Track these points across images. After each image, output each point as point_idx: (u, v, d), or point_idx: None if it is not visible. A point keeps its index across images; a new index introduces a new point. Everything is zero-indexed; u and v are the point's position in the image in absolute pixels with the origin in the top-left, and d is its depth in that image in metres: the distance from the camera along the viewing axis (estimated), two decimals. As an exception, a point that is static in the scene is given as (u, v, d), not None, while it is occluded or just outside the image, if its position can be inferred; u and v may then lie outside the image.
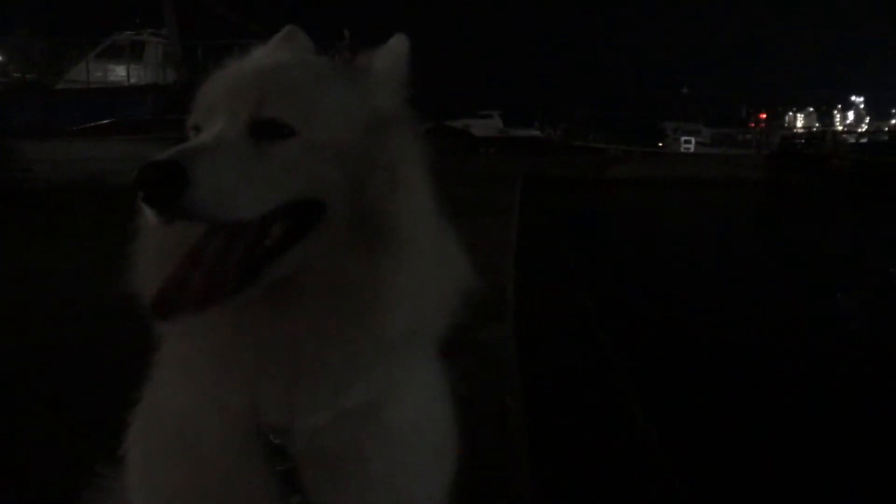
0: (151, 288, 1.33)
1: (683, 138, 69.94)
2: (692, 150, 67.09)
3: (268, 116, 1.31)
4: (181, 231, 1.32)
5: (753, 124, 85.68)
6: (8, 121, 22.45)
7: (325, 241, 1.33)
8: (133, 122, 21.43)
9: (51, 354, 4.98)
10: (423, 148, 1.46)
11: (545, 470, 3.56)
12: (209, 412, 1.40)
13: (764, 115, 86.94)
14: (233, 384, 1.36)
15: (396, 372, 1.41)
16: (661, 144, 72.48)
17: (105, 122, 21.40)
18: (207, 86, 1.46)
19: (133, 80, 27.55)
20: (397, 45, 1.55)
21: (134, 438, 1.59)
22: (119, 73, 28.09)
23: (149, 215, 1.20)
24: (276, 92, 1.34)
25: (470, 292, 1.47)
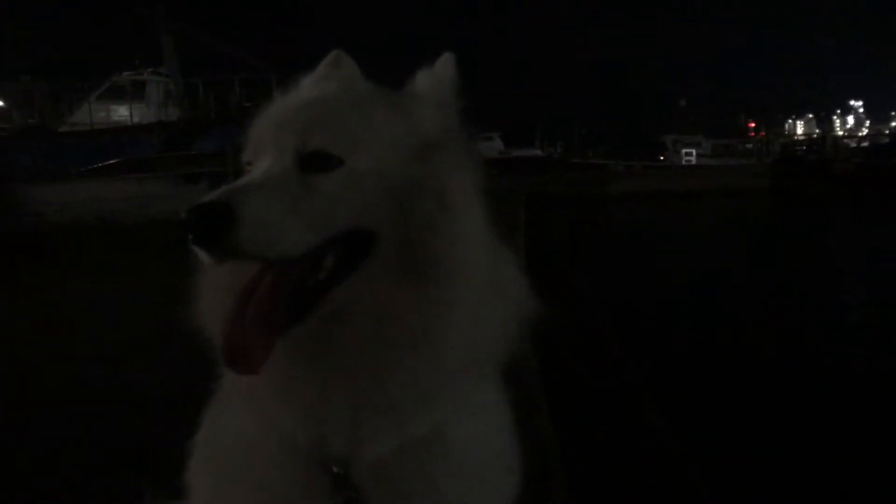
0: (212, 323, 1.36)
1: (684, 150, 70.13)
2: (693, 161, 67.22)
3: (313, 148, 1.31)
4: (237, 267, 1.32)
5: (753, 133, 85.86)
6: (13, 165, 22.59)
7: (378, 272, 1.31)
8: (138, 161, 21.53)
9: (67, 391, 4.98)
10: (474, 170, 1.43)
11: (582, 490, 3.54)
12: (273, 443, 1.39)
13: (756, 125, 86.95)
14: (297, 416, 1.35)
15: (459, 399, 1.39)
16: (661, 157, 72.71)
17: (110, 162, 21.49)
18: (257, 122, 1.45)
19: (136, 120, 27.70)
20: (443, 66, 1.54)
21: (197, 468, 1.59)
22: (121, 112, 28.24)
23: (200, 256, 1.20)
24: (321, 123, 1.34)
25: (529, 316, 1.44)
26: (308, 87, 1.58)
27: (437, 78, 1.52)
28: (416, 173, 1.35)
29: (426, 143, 1.40)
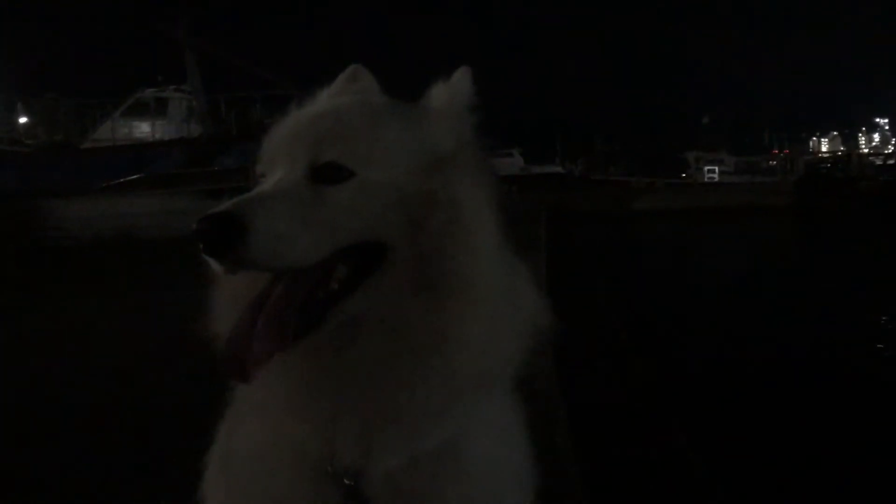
0: (224, 332, 1.35)
1: (707, 168, 69.81)
2: (716, 178, 66.90)
3: (326, 160, 1.32)
4: (252, 276, 1.32)
5: (777, 150, 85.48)
6: (37, 181, 22.88)
7: (389, 284, 1.31)
8: (160, 176, 21.77)
9: (88, 403, 4.99)
10: (488, 184, 1.42)
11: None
12: (285, 455, 1.39)
13: (776, 151, 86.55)
14: (308, 427, 1.35)
15: (472, 412, 1.37)
16: (684, 175, 72.42)
17: (133, 177, 21.74)
18: (272, 134, 1.47)
19: (158, 136, 28.06)
20: (459, 79, 1.54)
21: (212, 479, 1.59)
22: (144, 129, 28.69)
23: (213, 266, 1.22)
24: (333, 135, 1.35)
25: (546, 331, 1.42)
26: (323, 100, 1.59)
27: (452, 91, 1.52)
28: (429, 186, 1.35)
29: (439, 155, 1.40)
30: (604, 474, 4.35)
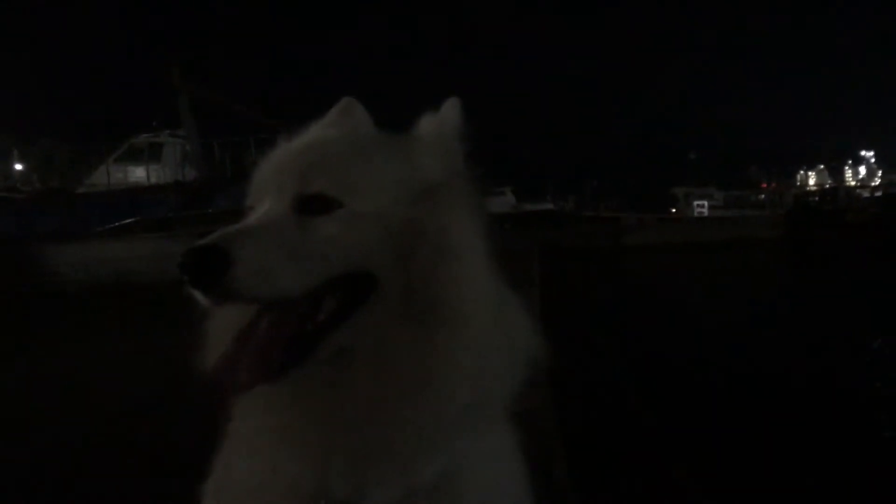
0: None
1: (696, 202, 70.12)
2: (706, 213, 67.17)
3: (313, 191, 1.33)
4: (241, 310, 1.34)
5: (765, 184, 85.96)
6: (33, 227, 22.86)
7: (378, 315, 1.31)
8: (156, 221, 21.73)
9: (84, 453, 4.98)
10: (477, 214, 1.42)
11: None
12: (279, 489, 1.37)
13: (764, 185, 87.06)
14: (301, 461, 1.34)
15: (466, 444, 1.36)
16: (674, 210, 72.71)
17: (127, 221, 21.71)
18: (260, 167, 1.49)
19: (153, 180, 28.06)
20: (448, 110, 1.55)
21: None
22: (138, 174, 28.62)
23: (199, 298, 1.22)
24: (319, 166, 1.36)
25: (539, 361, 1.43)
26: (312, 132, 1.60)
27: (441, 121, 1.53)
28: (417, 215, 1.36)
29: (428, 185, 1.41)
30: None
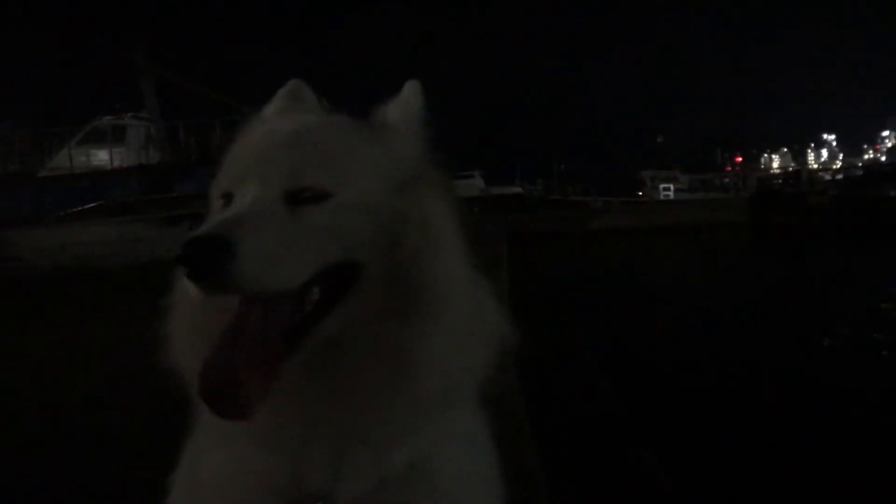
0: (189, 364, 1.32)
1: (662, 186, 70.83)
2: (671, 196, 67.88)
3: (303, 182, 1.30)
4: (216, 303, 1.27)
5: (730, 168, 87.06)
6: (-7, 211, 22.38)
7: (362, 303, 1.31)
8: (119, 204, 21.41)
9: (47, 434, 4.96)
10: (451, 200, 1.44)
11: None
12: (249, 483, 1.36)
13: (740, 159, 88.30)
14: (274, 455, 1.33)
15: (439, 430, 1.38)
16: (640, 193, 73.41)
17: (90, 205, 21.36)
18: (235, 152, 1.44)
19: (116, 163, 27.58)
20: (409, 94, 1.54)
21: None
22: (102, 157, 28.06)
23: (189, 289, 1.17)
24: (311, 158, 1.33)
25: (509, 345, 1.44)
26: (285, 118, 1.54)
27: (405, 107, 1.52)
28: (402, 205, 1.36)
29: (405, 173, 1.42)
30: (572, 492, 4.42)
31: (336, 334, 1.30)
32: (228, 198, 1.36)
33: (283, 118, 1.54)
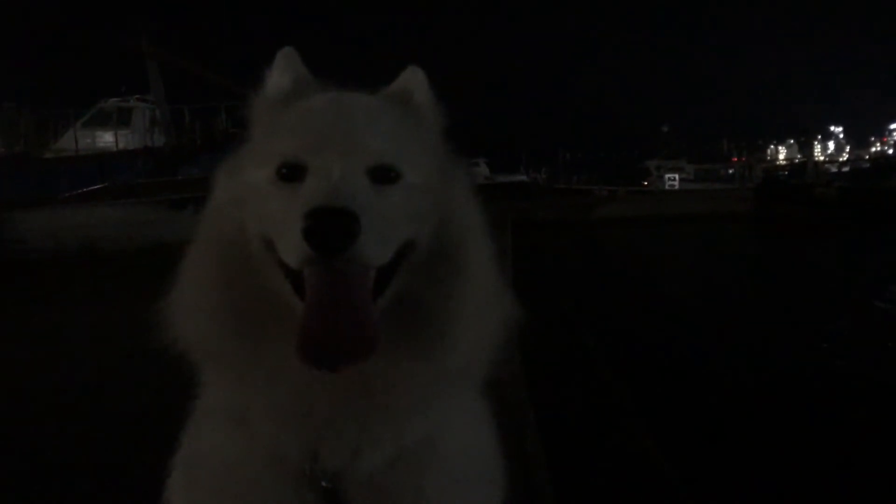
0: (194, 322, 1.35)
1: (667, 175, 70.72)
2: (676, 186, 67.75)
3: (384, 161, 1.32)
4: (250, 283, 1.31)
5: (736, 158, 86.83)
6: (-2, 192, 22.38)
7: (408, 277, 1.33)
8: (123, 187, 21.43)
9: (51, 413, 5.00)
10: (469, 180, 1.51)
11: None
12: (261, 463, 1.36)
13: (739, 150, 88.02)
14: (293, 432, 1.33)
15: (450, 405, 1.43)
16: (645, 182, 73.25)
17: (95, 187, 21.37)
18: (309, 120, 1.39)
19: (121, 146, 27.59)
20: (417, 80, 1.56)
21: (177, 487, 1.54)
22: (107, 139, 28.08)
23: (299, 256, 1.15)
24: (389, 137, 1.36)
25: (514, 329, 1.47)
26: (353, 96, 1.49)
27: (423, 89, 1.55)
28: (449, 189, 1.42)
29: (441, 153, 1.49)
30: (573, 478, 4.43)
31: (386, 307, 1.30)
32: (294, 168, 1.31)
33: (342, 94, 1.49)
